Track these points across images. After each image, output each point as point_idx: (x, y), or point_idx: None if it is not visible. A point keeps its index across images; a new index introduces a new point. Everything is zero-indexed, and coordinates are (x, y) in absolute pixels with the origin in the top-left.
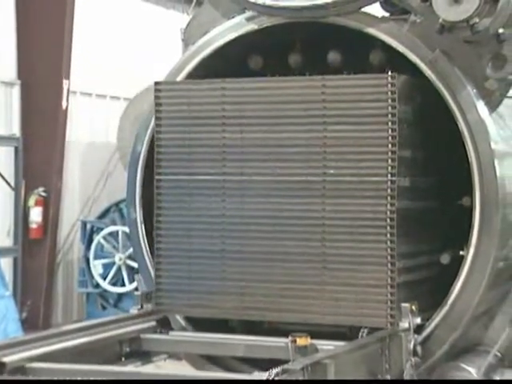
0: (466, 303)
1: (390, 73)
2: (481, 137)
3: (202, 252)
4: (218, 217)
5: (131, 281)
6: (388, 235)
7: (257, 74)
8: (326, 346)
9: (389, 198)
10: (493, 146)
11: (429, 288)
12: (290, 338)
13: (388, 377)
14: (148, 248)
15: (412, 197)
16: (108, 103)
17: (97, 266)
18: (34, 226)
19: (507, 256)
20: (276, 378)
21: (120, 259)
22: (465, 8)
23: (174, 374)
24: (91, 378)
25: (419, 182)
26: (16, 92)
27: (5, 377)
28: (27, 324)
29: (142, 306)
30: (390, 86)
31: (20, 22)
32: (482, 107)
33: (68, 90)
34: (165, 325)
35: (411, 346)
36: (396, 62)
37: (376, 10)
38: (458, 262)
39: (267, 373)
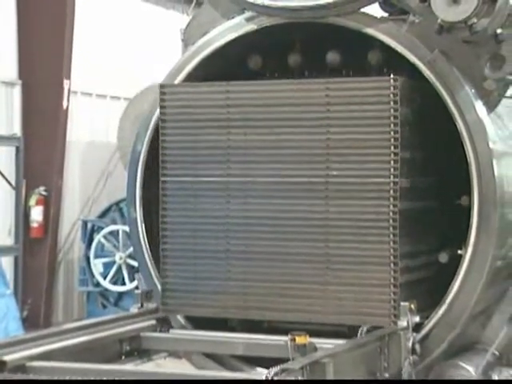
0: (464, 302)
1: (392, 75)
2: (479, 137)
3: (207, 252)
4: (223, 218)
5: (131, 280)
6: (391, 235)
7: (256, 74)
8: (325, 344)
9: (391, 198)
10: (491, 145)
11: (429, 287)
12: (289, 336)
13: (386, 375)
14: (148, 247)
15: (412, 197)
16: (108, 103)
17: (97, 265)
18: (34, 225)
19: (505, 255)
20: (275, 378)
21: (120, 258)
22: (463, 8)
23: (174, 372)
24: (91, 377)
25: (419, 183)
26: (17, 92)
27: (5, 375)
28: (28, 322)
29: (142, 305)
30: (392, 88)
31: (21, 22)
32: (480, 107)
33: (69, 90)
34: (165, 323)
35: (410, 344)
36: (395, 62)
37: (375, 10)
38: (457, 261)
39: (266, 372)
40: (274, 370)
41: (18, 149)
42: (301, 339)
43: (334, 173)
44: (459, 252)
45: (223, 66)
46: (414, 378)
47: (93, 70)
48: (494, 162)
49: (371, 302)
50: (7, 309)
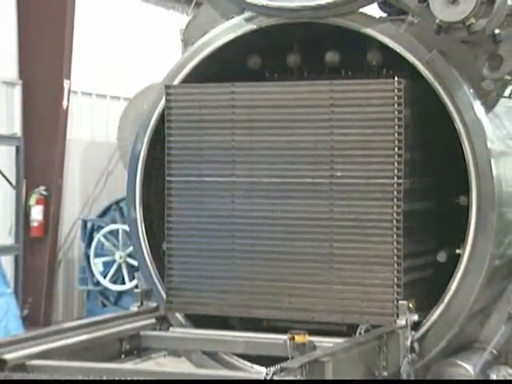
0: (462, 301)
1: (395, 77)
2: (477, 136)
3: (212, 251)
4: (228, 217)
5: (131, 279)
6: (394, 236)
7: (256, 73)
8: (324, 343)
9: (395, 199)
10: (489, 145)
11: (427, 286)
12: (288, 335)
13: (385, 374)
14: (148, 246)
15: (412, 198)
16: (108, 103)
17: (97, 264)
18: (35, 224)
19: (503, 254)
20: (275, 377)
21: (120, 257)
22: (461, 9)
23: (174, 371)
24: (91, 376)
25: (418, 183)
26: (17, 92)
27: (6, 374)
28: (28, 321)
29: (141, 304)
30: (396, 90)
31: (21, 22)
32: (478, 107)
33: (69, 90)
34: (164, 322)
35: (408, 343)
36: (393, 62)
37: (374, 10)
38: (455, 260)
39: (266, 371)
40: (273, 368)
41: (18, 148)
42: (300, 338)
43: (338, 173)
44: (457, 251)
45: (223, 65)
46: (412, 376)
47: (93, 70)
48: (492, 162)
49: (374, 302)
50: (8, 307)
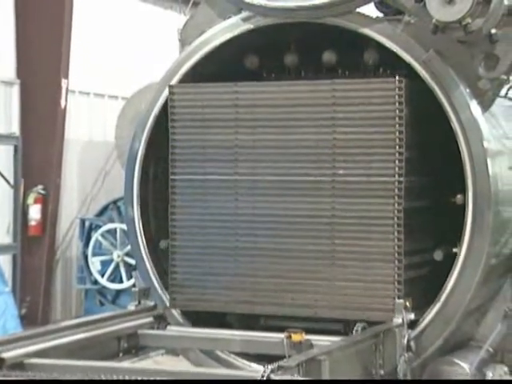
0: (458, 299)
1: (396, 76)
2: (474, 136)
3: (216, 249)
4: (231, 215)
5: (129, 277)
6: (395, 233)
7: (253, 73)
8: (321, 341)
9: (396, 197)
10: (485, 144)
11: (424, 285)
12: (285, 333)
13: (382, 372)
14: (145, 245)
15: (410, 196)
16: (106, 102)
17: (95, 263)
18: (32, 223)
19: (499, 252)
20: (271, 375)
21: (118, 256)
22: (458, 9)
23: (172, 370)
24: (89, 374)
25: (415, 182)
26: (15, 91)
27: (4, 372)
28: (26, 320)
29: (139, 302)
30: (397, 89)
31: (19, 22)
32: (474, 106)
33: (66, 90)
34: (162, 321)
35: (405, 341)
36: (390, 61)
37: (371, 10)
38: (452, 258)
39: (262, 369)
40: (270, 367)
41: (16, 148)
42: (297, 336)
43: (340, 172)
44: (454, 250)
45: (220, 65)
46: (408, 374)
47: (91, 69)
48: (489, 161)
49: (376, 298)
50: (6, 306)
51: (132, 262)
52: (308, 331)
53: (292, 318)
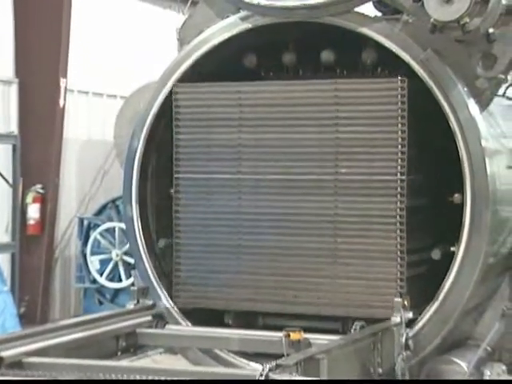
0: (456, 298)
1: (399, 77)
2: (472, 135)
3: (219, 247)
4: (234, 213)
5: (128, 276)
6: (397, 231)
7: (251, 72)
8: (319, 340)
9: (398, 195)
10: (483, 143)
11: (422, 283)
12: (283, 332)
13: (380, 370)
14: (144, 244)
15: (410, 195)
16: (105, 101)
17: (94, 262)
18: (31, 222)
19: (497, 252)
20: (270, 374)
21: (117, 255)
22: (456, 8)
23: (170, 368)
24: (87, 373)
25: (413, 180)
26: (14, 90)
27: (2, 371)
28: (25, 319)
29: (138, 301)
30: (400, 89)
31: (18, 21)
32: (472, 106)
33: (65, 89)
34: (160, 320)
35: (403, 340)
36: (388, 61)
37: (369, 9)
38: (450, 257)
39: (261, 368)
40: (268, 365)
41: (14, 147)
42: (295, 335)
43: (343, 170)
44: (452, 249)
45: (218, 64)
46: (406, 373)
47: (89, 68)
48: (487, 160)
49: (378, 296)
50: (4, 305)
51: (131, 260)
52: (306, 330)
53: (290, 317)
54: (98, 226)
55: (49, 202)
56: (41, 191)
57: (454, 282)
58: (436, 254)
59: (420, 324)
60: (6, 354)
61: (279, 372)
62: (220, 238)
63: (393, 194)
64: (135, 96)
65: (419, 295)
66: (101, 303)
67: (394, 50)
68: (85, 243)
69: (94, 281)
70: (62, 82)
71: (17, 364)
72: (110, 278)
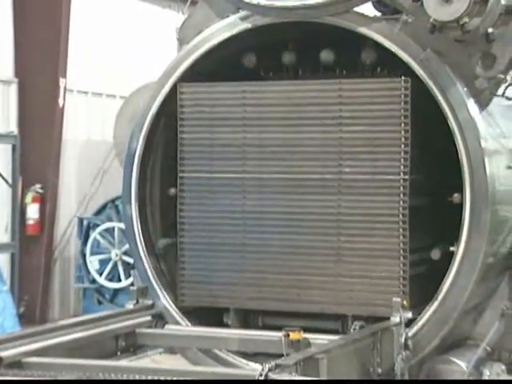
0: (456, 298)
1: (403, 77)
2: (471, 135)
3: (223, 246)
4: (239, 213)
5: (127, 276)
6: (400, 230)
7: (251, 72)
8: (319, 340)
9: (401, 194)
10: (483, 144)
11: (422, 283)
12: (283, 332)
13: (379, 370)
14: (143, 244)
15: (413, 194)
16: (104, 101)
17: (93, 262)
18: (31, 222)
19: (497, 252)
20: (269, 374)
21: (116, 255)
22: (455, 8)
23: (170, 368)
24: (87, 373)
25: (413, 180)
26: (13, 90)
27: (1, 371)
28: (24, 319)
29: (137, 301)
30: (403, 89)
31: (17, 21)
32: (472, 106)
33: (65, 89)
34: (160, 319)
35: (402, 340)
36: (388, 60)
37: (368, 9)
38: (449, 257)
39: (261, 368)
40: (268, 365)
41: (14, 147)
42: (295, 335)
43: (346, 170)
44: (451, 249)
45: (218, 64)
46: (406, 373)
47: (89, 68)
48: (486, 160)
49: (381, 294)
50: (4, 305)
51: (130, 260)
52: (306, 330)
53: (290, 317)
54: (98, 225)
55: (48, 202)
56: (40, 191)
57: (453, 282)
58: (435, 254)
59: (419, 324)
60: (5, 354)
61: (279, 372)
62: (224, 236)
63: (396, 194)
64: (135, 96)
65: (419, 295)
66: (100, 303)
67: (393, 50)
68: (84, 243)
69: (94, 281)
70: (62, 81)
71: (16, 364)
72: (110, 278)
